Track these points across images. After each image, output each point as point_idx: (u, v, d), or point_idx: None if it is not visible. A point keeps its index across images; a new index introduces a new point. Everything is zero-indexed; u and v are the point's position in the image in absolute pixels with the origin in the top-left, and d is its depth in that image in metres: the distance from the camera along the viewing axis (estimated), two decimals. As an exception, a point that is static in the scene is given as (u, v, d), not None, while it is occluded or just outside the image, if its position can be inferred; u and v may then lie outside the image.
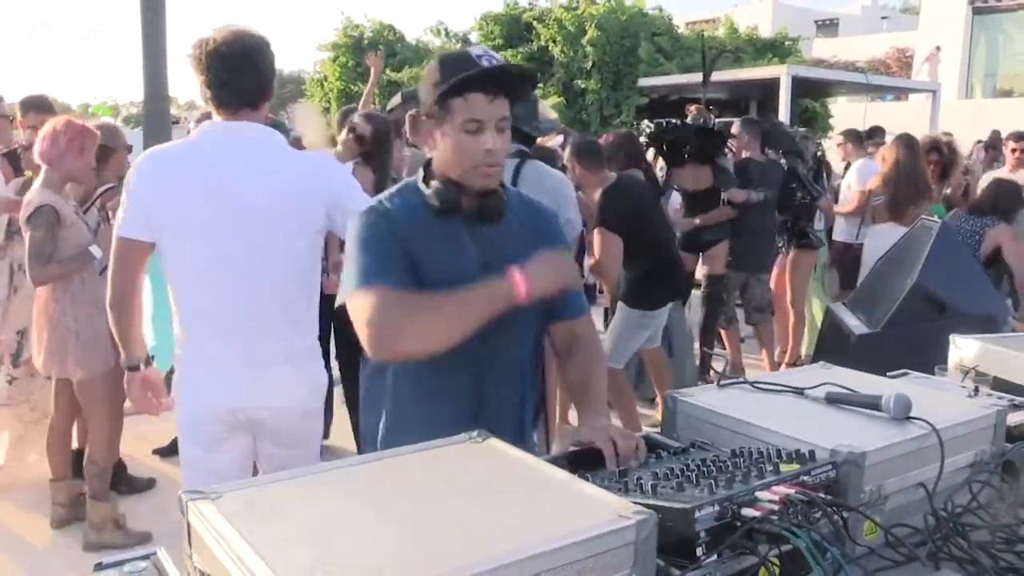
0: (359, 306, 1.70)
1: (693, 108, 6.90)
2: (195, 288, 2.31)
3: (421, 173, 1.88)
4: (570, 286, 1.80)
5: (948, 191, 6.14)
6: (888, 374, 2.00)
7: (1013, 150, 6.64)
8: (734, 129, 5.98)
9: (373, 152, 4.05)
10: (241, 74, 2.27)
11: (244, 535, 1.06)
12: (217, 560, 1.06)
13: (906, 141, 5.38)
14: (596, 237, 4.32)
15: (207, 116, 2.90)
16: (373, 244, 1.76)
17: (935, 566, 1.36)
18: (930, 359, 2.31)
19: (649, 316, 4.50)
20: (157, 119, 6.91)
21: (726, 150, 5.89)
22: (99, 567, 1.14)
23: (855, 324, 3.47)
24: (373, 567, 1.00)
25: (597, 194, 4.37)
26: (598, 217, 4.29)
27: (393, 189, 1.90)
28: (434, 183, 1.80)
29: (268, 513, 1.15)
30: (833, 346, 3.55)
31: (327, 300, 2.53)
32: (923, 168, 5.27)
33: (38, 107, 4.65)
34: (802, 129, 8.90)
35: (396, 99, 5.19)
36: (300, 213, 2.33)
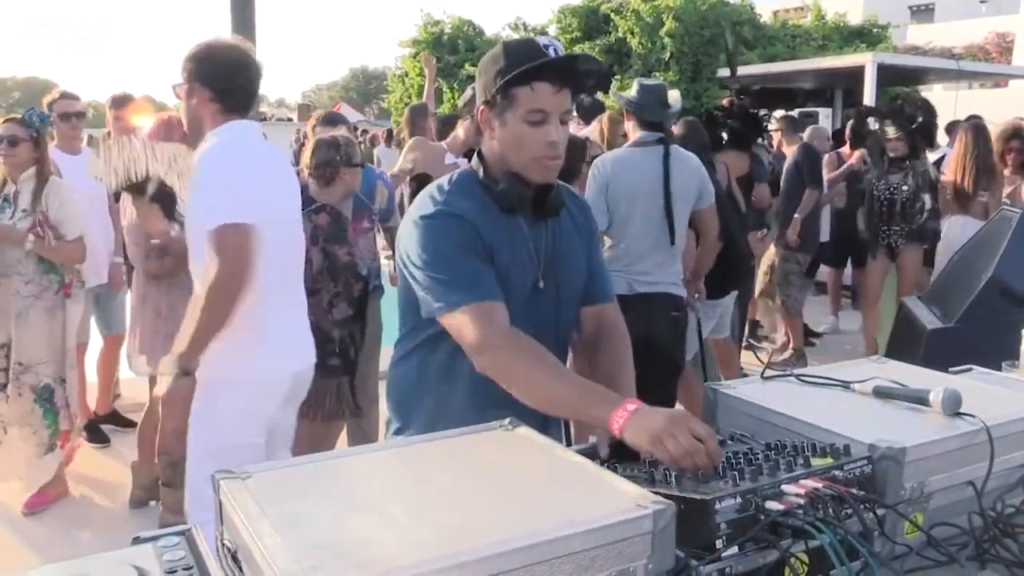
0: (465, 322, 1.63)
1: (725, 101, 6.76)
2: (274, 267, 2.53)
3: (478, 164, 1.82)
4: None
5: None
6: (951, 370, 1.92)
7: None
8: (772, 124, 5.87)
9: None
10: (251, 79, 2.55)
11: (267, 513, 1.10)
12: (240, 536, 1.09)
13: (973, 127, 5.16)
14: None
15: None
16: (454, 253, 1.68)
17: (980, 566, 1.30)
18: (1004, 355, 2.21)
19: (711, 305, 4.42)
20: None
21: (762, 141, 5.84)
22: (137, 540, 1.19)
23: (928, 319, 3.34)
24: (386, 546, 1.02)
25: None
26: None
27: (446, 184, 1.79)
28: (499, 178, 1.74)
29: (294, 493, 1.18)
30: (905, 341, 3.43)
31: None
32: (990, 155, 5.04)
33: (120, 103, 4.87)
34: None
35: (468, 93, 5.26)
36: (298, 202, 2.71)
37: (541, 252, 1.79)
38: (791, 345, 6.32)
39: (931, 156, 6.17)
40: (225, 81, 2.49)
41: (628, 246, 3.58)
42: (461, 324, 1.64)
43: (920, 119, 5.40)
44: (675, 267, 3.69)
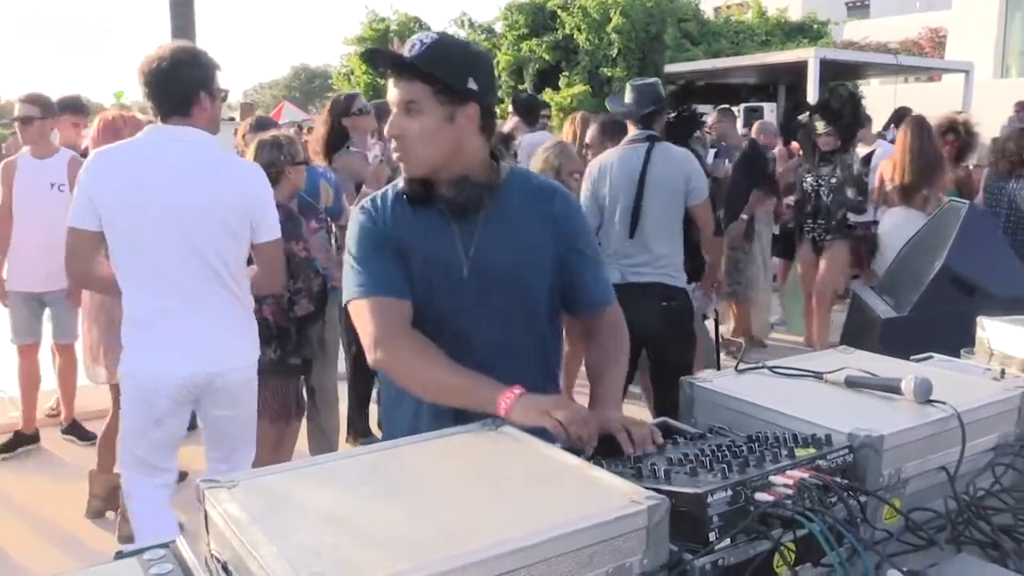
0: (364, 316, 1.72)
1: None
2: (132, 270, 2.62)
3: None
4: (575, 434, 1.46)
5: (963, 174, 6.02)
6: (912, 357, 1.97)
7: None
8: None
9: None
10: (165, 85, 2.60)
11: (257, 521, 1.08)
12: (231, 546, 1.07)
13: (916, 122, 5.31)
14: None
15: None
16: (368, 248, 1.76)
17: (956, 549, 1.34)
18: (958, 342, 2.27)
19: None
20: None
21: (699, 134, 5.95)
22: (119, 555, 1.16)
23: (882, 308, 3.42)
24: (383, 551, 1.01)
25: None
26: None
27: (390, 185, 1.88)
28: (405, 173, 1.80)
29: (282, 500, 1.17)
30: (860, 330, 3.51)
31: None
32: (935, 150, 5.20)
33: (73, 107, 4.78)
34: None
35: None
36: (220, 214, 2.62)
37: (470, 243, 1.77)
38: (743, 335, 6.43)
39: (865, 150, 6.31)
40: (146, 88, 2.62)
41: (614, 238, 3.79)
42: (359, 318, 1.73)
43: (847, 113, 5.50)
44: (672, 259, 3.81)
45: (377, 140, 5.04)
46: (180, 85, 2.61)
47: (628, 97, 3.95)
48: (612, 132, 4.42)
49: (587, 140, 5.03)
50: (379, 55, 1.86)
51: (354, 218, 1.82)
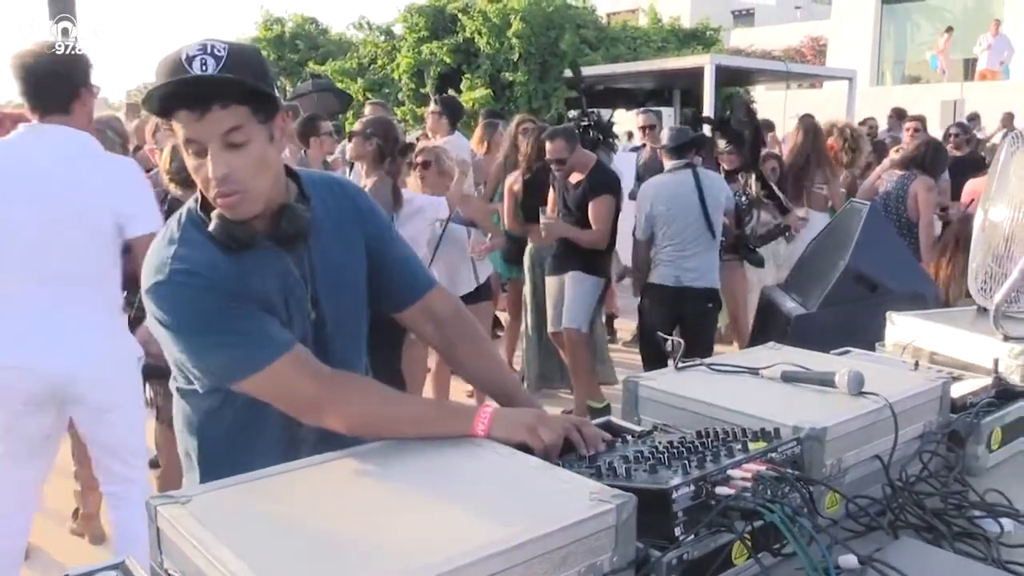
0: (284, 381, 1.46)
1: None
2: None
3: (197, 199, 1.56)
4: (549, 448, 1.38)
5: (853, 176, 6.34)
6: (831, 352, 2.06)
7: (907, 128, 7.44)
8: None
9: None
10: (46, 81, 2.55)
11: (221, 537, 1.04)
12: (193, 564, 1.03)
13: (805, 124, 5.59)
14: (603, 205, 4.60)
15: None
16: (224, 311, 1.46)
17: (894, 534, 1.40)
18: (865, 337, 2.39)
19: (600, 283, 4.86)
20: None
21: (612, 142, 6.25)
22: (66, 579, 1.10)
23: (791, 306, 3.56)
24: (356, 561, 0.99)
25: (578, 173, 4.72)
26: (599, 188, 4.62)
27: (170, 235, 1.53)
28: (214, 216, 1.50)
29: (243, 514, 1.13)
30: (770, 327, 3.64)
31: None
32: (823, 151, 5.49)
33: None
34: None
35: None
36: (86, 213, 2.55)
37: (308, 277, 1.59)
38: None
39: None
40: (19, 85, 2.56)
41: (674, 249, 4.45)
42: (275, 384, 1.46)
43: (748, 130, 5.55)
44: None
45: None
46: (61, 81, 2.55)
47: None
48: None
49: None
50: (177, 86, 1.38)
51: (174, 290, 1.46)
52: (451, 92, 13.98)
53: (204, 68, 1.37)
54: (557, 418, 1.47)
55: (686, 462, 1.24)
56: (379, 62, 17.95)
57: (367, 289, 1.73)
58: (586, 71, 14.02)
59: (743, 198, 5.41)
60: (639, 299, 4.82)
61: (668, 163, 4.63)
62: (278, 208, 1.53)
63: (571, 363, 4.98)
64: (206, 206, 1.53)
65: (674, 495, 1.16)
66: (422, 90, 16.60)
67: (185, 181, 3.34)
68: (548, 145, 4.72)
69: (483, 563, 0.97)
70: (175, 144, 3.38)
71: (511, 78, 15.85)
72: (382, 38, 18.35)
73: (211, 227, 1.49)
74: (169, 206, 3.22)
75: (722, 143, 5.62)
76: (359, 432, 1.43)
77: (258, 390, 1.48)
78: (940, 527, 1.41)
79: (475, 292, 4.69)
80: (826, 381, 1.62)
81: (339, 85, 17.22)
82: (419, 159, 4.47)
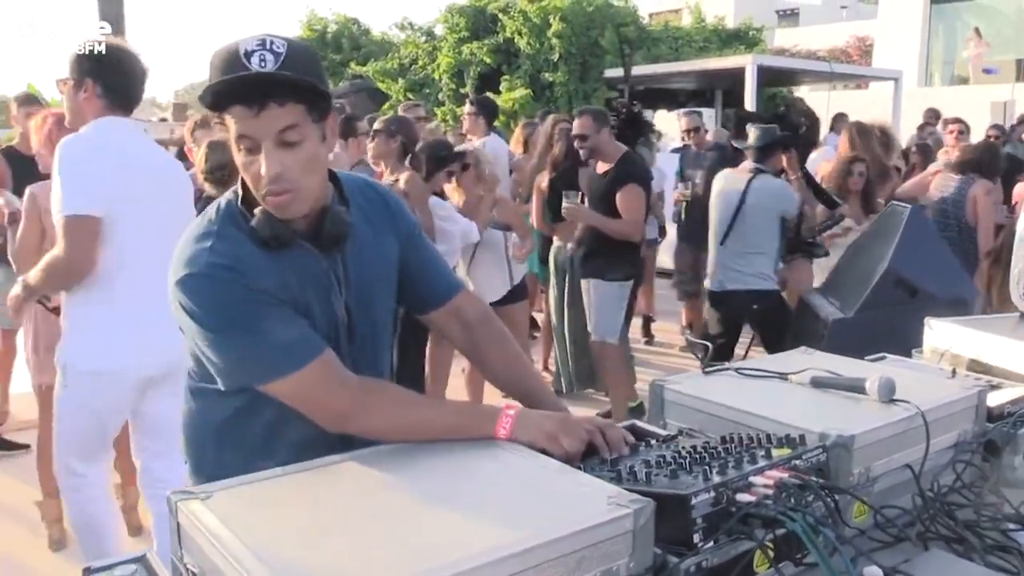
0: (313, 386, 1.45)
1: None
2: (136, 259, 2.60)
3: (238, 193, 1.54)
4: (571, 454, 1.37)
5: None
6: (866, 358, 2.02)
7: (950, 131, 7.17)
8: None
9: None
10: (140, 83, 2.70)
11: (239, 535, 1.04)
12: (211, 561, 1.04)
13: (858, 128, 5.46)
14: (632, 194, 4.44)
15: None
16: (257, 311, 1.44)
17: (924, 546, 1.37)
18: (903, 343, 2.34)
19: (625, 287, 4.69)
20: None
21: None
22: (88, 572, 1.12)
23: (829, 310, 3.50)
24: (371, 561, 0.99)
25: (604, 163, 4.60)
26: (626, 177, 4.48)
27: (208, 228, 1.50)
28: (257, 212, 1.48)
29: (263, 511, 1.14)
30: (807, 332, 3.58)
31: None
32: (878, 154, 5.34)
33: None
34: None
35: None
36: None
37: (341, 281, 1.57)
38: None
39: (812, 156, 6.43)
40: (115, 79, 2.63)
41: (717, 251, 4.50)
42: (302, 390, 1.45)
43: (803, 129, 5.50)
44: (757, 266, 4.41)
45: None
46: (141, 83, 2.71)
47: (752, 138, 4.59)
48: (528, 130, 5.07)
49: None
50: (234, 84, 1.37)
51: (207, 283, 1.44)
52: (490, 93, 14.01)
53: (263, 64, 1.35)
54: (580, 421, 1.45)
55: (707, 468, 1.23)
56: (420, 62, 18.07)
57: (395, 293, 1.72)
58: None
59: None
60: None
61: (746, 162, 4.60)
62: (320, 210, 1.52)
63: (603, 372, 4.95)
64: (247, 202, 1.52)
65: (693, 501, 1.15)
66: (462, 90, 16.67)
67: (220, 180, 3.36)
68: (575, 121, 4.67)
69: (495, 566, 0.97)
70: (211, 142, 3.44)
71: (551, 78, 15.84)
72: (423, 39, 18.45)
73: (253, 223, 1.47)
74: (203, 205, 3.26)
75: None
76: (384, 438, 1.42)
77: (284, 394, 1.46)
78: (972, 539, 1.37)
79: (510, 293, 4.70)
80: (856, 388, 1.59)
81: (380, 85, 17.39)
82: (458, 161, 4.47)
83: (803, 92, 17.29)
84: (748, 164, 4.55)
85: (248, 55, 1.35)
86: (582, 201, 4.75)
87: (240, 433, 1.59)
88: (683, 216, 6.64)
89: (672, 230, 7.36)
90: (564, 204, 4.60)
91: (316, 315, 1.54)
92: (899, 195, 5.38)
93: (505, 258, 4.63)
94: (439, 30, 18.19)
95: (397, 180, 4.13)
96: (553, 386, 5.77)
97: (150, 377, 2.69)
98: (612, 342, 4.71)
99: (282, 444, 1.55)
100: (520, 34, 16.16)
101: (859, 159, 5.12)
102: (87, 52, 2.61)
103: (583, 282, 4.78)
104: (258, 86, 1.37)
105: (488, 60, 16.56)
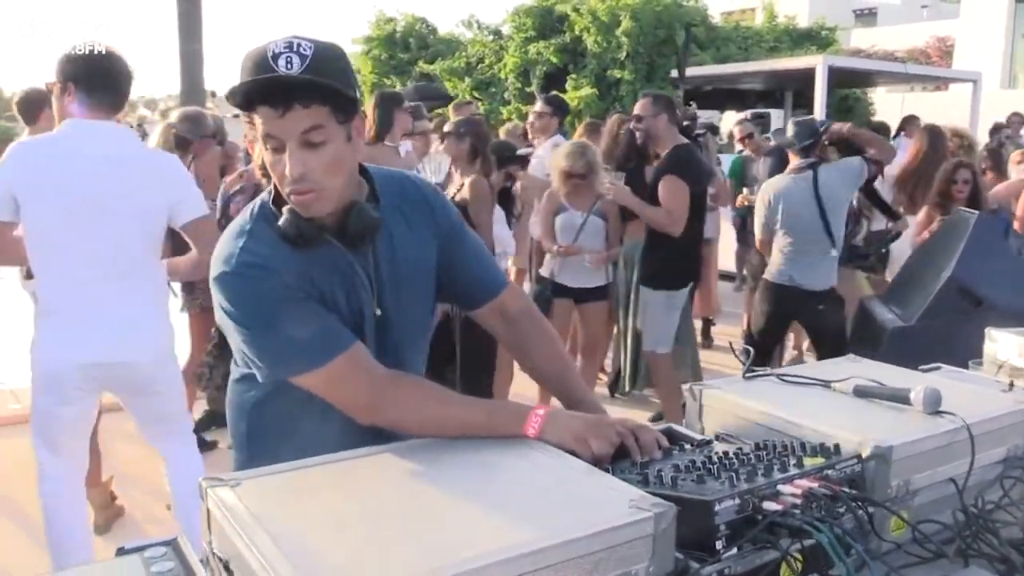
0: (342, 379, 1.48)
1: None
2: (52, 257, 2.67)
3: (270, 192, 1.58)
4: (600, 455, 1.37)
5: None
6: (920, 368, 1.96)
7: None
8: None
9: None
10: (121, 84, 2.73)
11: (261, 522, 1.07)
12: (234, 546, 1.06)
13: (930, 131, 5.28)
14: (673, 185, 4.35)
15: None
16: (286, 306, 1.48)
17: (964, 563, 1.33)
18: (965, 354, 2.26)
19: (675, 296, 4.61)
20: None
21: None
22: (121, 551, 1.16)
23: (889, 318, 3.41)
24: (387, 554, 1.00)
25: (662, 151, 4.57)
26: (671, 168, 4.41)
27: (241, 227, 1.55)
28: (284, 211, 1.51)
29: (288, 501, 1.16)
30: (866, 340, 3.49)
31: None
32: (945, 159, 5.15)
33: None
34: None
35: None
36: (140, 204, 2.72)
37: (372, 276, 1.59)
38: (793, 346, 6.43)
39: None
40: (97, 82, 2.67)
41: (789, 247, 4.34)
42: (331, 382, 1.49)
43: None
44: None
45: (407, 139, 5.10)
46: (125, 84, 2.76)
47: (789, 131, 4.46)
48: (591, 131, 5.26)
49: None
50: (260, 85, 1.40)
51: (239, 280, 1.49)
52: (555, 92, 14.00)
53: (289, 67, 1.38)
54: (613, 423, 1.44)
55: (735, 474, 1.21)
56: (486, 61, 18.15)
57: (437, 287, 1.74)
58: (694, 71, 13.85)
59: (854, 204, 5.11)
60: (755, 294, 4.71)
61: (793, 161, 4.46)
62: (347, 206, 1.54)
63: (655, 380, 4.90)
64: (278, 200, 1.55)
65: (717, 507, 1.13)
66: (527, 89, 16.69)
67: None
68: (639, 101, 4.66)
69: (507, 564, 0.97)
70: None
71: (618, 75, 15.75)
72: (490, 38, 18.52)
73: (280, 222, 1.50)
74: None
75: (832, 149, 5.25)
76: (411, 433, 1.44)
77: (314, 387, 1.50)
78: (1015, 558, 1.32)
79: (598, 290, 4.74)
80: (900, 398, 1.55)
81: (447, 84, 17.53)
82: (575, 171, 4.52)
83: (879, 94, 16.85)
84: (800, 162, 4.40)
85: (275, 57, 1.38)
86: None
87: (281, 419, 1.63)
88: (744, 220, 6.56)
89: (732, 234, 7.27)
90: (608, 184, 4.56)
91: (344, 311, 1.56)
92: (991, 200, 5.18)
93: (604, 250, 4.68)
94: (506, 30, 18.24)
95: (461, 187, 4.17)
96: (608, 384, 5.74)
97: (94, 366, 2.70)
98: (661, 351, 4.65)
99: (321, 431, 1.57)
100: (588, 32, 16.10)
101: (964, 165, 4.88)
102: (70, 55, 2.67)
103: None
104: (283, 88, 1.40)
105: (554, 59, 16.55)
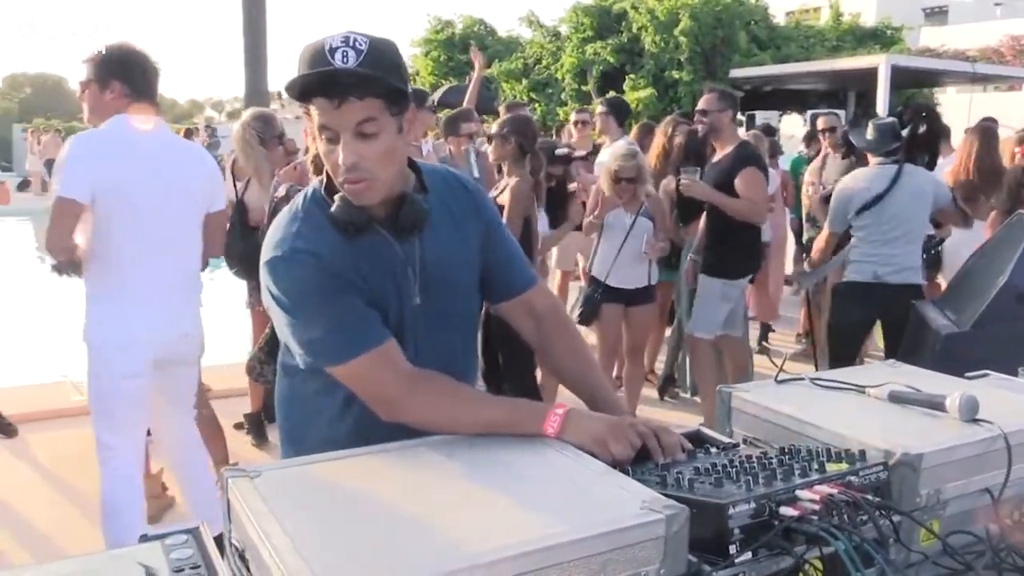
0: (370, 373, 1.52)
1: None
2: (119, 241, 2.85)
3: (322, 182, 1.63)
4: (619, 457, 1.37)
5: None
6: (967, 375, 1.90)
7: None
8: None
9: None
10: (156, 77, 2.95)
11: (275, 513, 1.09)
12: (249, 536, 1.09)
13: (980, 130, 5.08)
14: (753, 176, 4.35)
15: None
16: (327, 297, 1.52)
17: (997, 575, 1.28)
18: (1020, 361, 2.18)
19: (731, 286, 4.56)
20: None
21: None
22: (144, 538, 1.18)
23: (943, 323, 3.30)
24: (395, 548, 1.01)
25: (720, 149, 4.56)
26: (746, 161, 4.39)
27: (295, 214, 1.60)
28: (336, 199, 1.55)
29: (303, 493, 1.18)
30: (918, 345, 3.39)
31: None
32: (996, 159, 4.96)
33: None
34: None
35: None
36: (191, 191, 2.99)
37: (416, 266, 1.62)
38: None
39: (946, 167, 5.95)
40: (138, 77, 2.88)
41: (870, 244, 4.21)
42: (358, 377, 1.53)
43: (922, 129, 4.94)
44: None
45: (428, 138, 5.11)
46: (157, 76, 2.97)
47: (870, 134, 4.33)
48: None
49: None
50: (318, 78, 1.45)
51: (288, 266, 1.54)
52: (613, 92, 13.93)
53: (345, 61, 1.43)
54: (634, 425, 1.43)
55: (752, 478, 1.19)
56: (543, 62, 18.14)
57: (477, 282, 1.76)
58: (753, 71, 13.66)
59: None
60: (830, 299, 4.56)
61: (873, 160, 4.35)
62: (397, 197, 1.58)
63: (694, 369, 4.86)
64: (330, 189, 1.59)
65: (731, 511, 1.11)
66: (584, 88, 16.64)
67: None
68: (704, 96, 4.64)
69: (513, 561, 0.97)
70: None
71: (676, 76, 15.60)
72: (548, 38, 18.51)
73: (332, 208, 1.54)
74: None
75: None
76: (433, 431, 1.46)
77: (342, 378, 1.54)
78: (1051, 574, 1.27)
79: (643, 292, 4.72)
80: (936, 404, 1.50)
81: (504, 86, 17.56)
82: (623, 175, 4.57)
83: (950, 94, 16.37)
84: (881, 159, 4.27)
85: (332, 51, 1.43)
86: None
87: (323, 408, 1.67)
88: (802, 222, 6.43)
89: (791, 236, 7.13)
90: (682, 179, 4.55)
91: (389, 300, 1.60)
92: None
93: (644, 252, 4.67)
94: (564, 31, 18.19)
95: (503, 189, 4.18)
96: (658, 387, 5.66)
97: (161, 337, 2.91)
98: (699, 335, 4.63)
99: (359, 422, 1.61)
100: (646, 30, 15.97)
101: None
102: (111, 54, 2.86)
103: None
104: (339, 81, 1.44)
105: (611, 59, 16.46)
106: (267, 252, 1.57)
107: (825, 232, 4.46)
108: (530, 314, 1.79)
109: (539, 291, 1.81)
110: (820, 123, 7.05)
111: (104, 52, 2.86)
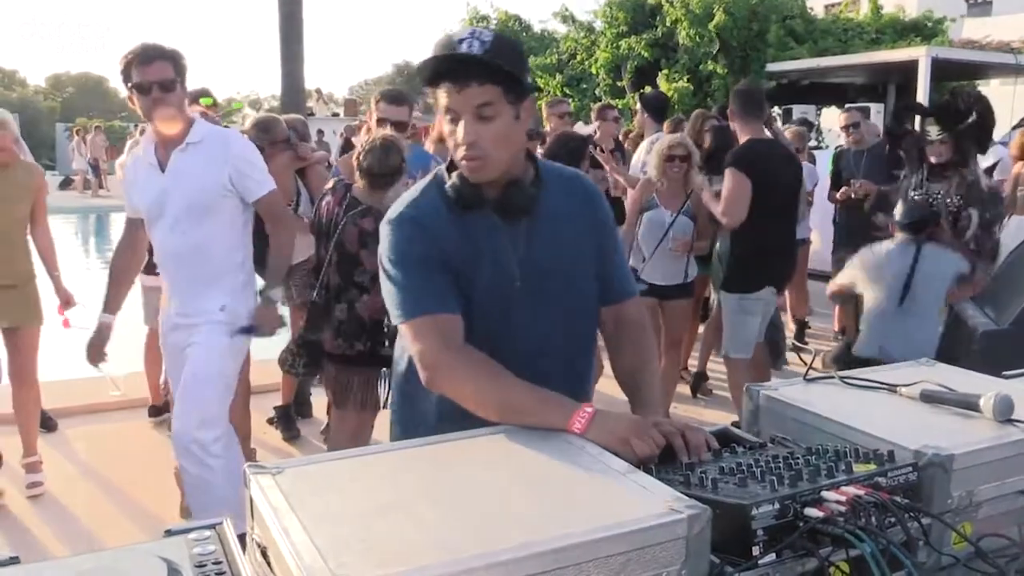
0: (419, 335, 1.63)
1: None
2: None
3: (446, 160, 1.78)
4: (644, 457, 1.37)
5: None
6: (1005, 374, 1.85)
7: None
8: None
9: None
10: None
11: (295, 509, 1.09)
12: (269, 532, 1.09)
13: None
14: (729, 179, 4.17)
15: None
16: (412, 262, 1.67)
17: (1031, 581, 1.25)
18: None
19: (748, 299, 4.34)
20: (294, 112, 7.30)
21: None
22: (168, 533, 1.19)
23: (982, 320, 3.23)
24: (412, 545, 1.01)
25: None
26: (730, 160, 4.25)
27: (420, 186, 1.77)
28: (453, 176, 1.69)
29: (323, 489, 1.18)
30: (956, 343, 3.32)
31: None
32: None
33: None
34: None
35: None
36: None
37: (520, 250, 1.71)
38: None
39: (986, 160, 5.68)
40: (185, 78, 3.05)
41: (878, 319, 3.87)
42: (413, 337, 1.64)
43: (972, 118, 4.29)
44: None
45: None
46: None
47: (898, 210, 4.04)
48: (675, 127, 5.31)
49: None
50: (445, 61, 1.59)
51: (393, 229, 1.70)
52: (648, 87, 13.84)
53: (470, 49, 1.57)
54: (659, 424, 1.42)
55: (778, 479, 1.17)
56: (578, 57, 18.05)
57: (592, 279, 1.84)
58: (790, 65, 13.46)
59: (956, 198, 4.17)
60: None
61: (898, 235, 4.00)
62: (510, 182, 1.69)
63: (729, 384, 4.74)
64: (451, 168, 1.71)
65: (754, 512, 1.10)
66: (619, 83, 16.54)
67: (371, 179, 3.40)
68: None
69: (530, 560, 0.96)
70: (376, 140, 3.46)
71: (711, 69, 15.42)
72: (582, 33, 18.42)
73: (447, 184, 1.68)
74: (348, 203, 3.37)
75: (934, 130, 4.33)
76: (464, 405, 1.56)
77: (404, 336, 1.68)
78: (1088, 579, 1.24)
79: (680, 288, 4.69)
80: (970, 404, 1.47)
81: (539, 81, 17.52)
82: (675, 152, 4.58)
83: (993, 86, 15.98)
84: (904, 236, 3.95)
85: (459, 41, 1.58)
86: None
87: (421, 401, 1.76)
88: (836, 219, 6.34)
89: (829, 232, 7.02)
90: (695, 178, 4.52)
91: (486, 277, 1.69)
92: None
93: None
94: (598, 25, 18.08)
95: None
96: (691, 384, 5.58)
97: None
98: (733, 356, 4.41)
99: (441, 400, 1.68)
100: (681, 24, 15.81)
101: None
102: (178, 53, 3.00)
103: None
104: (462, 66, 1.58)
105: (645, 54, 16.30)
106: (388, 215, 1.73)
107: (837, 283, 4.19)
108: (616, 320, 1.89)
109: (632, 303, 1.92)
110: (841, 119, 6.92)
111: (176, 51, 3.01)
